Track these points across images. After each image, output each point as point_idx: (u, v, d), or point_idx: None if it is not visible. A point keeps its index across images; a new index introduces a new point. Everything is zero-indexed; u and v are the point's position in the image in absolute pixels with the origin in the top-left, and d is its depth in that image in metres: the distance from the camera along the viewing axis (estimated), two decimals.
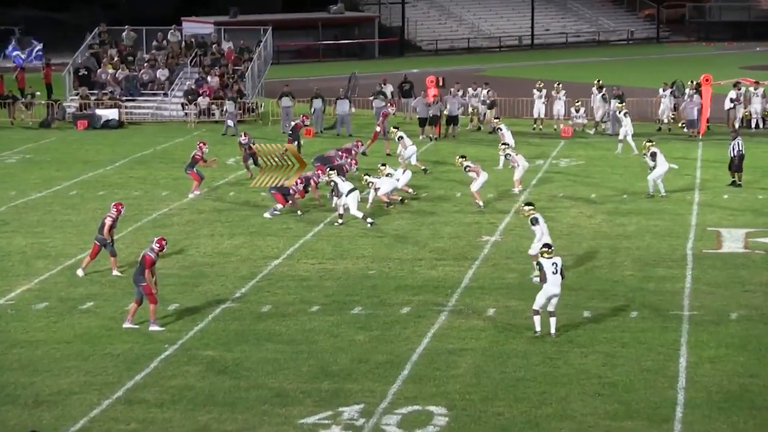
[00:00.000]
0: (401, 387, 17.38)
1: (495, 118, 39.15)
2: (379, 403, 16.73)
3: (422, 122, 42.11)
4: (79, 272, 23.65)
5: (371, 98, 45.14)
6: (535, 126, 43.55)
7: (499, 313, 20.95)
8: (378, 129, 38.58)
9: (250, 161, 33.74)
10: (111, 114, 46.05)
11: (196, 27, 62.38)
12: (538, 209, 28.91)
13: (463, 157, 30.23)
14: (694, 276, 23.28)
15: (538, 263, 19.75)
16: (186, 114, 47.07)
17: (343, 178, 28.43)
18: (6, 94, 47.33)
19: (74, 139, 43.08)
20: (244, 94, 47.74)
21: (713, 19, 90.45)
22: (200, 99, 46.58)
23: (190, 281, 23.14)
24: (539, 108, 43.77)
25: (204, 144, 32.32)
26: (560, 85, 43.84)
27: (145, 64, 49.79)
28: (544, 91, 43.74)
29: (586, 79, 48.93)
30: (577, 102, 42.93)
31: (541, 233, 22.85)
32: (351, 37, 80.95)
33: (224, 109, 44.83)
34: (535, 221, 22.98)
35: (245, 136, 34.21)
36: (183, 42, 52.21)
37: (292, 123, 37.87)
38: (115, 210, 23.93)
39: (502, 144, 32.68)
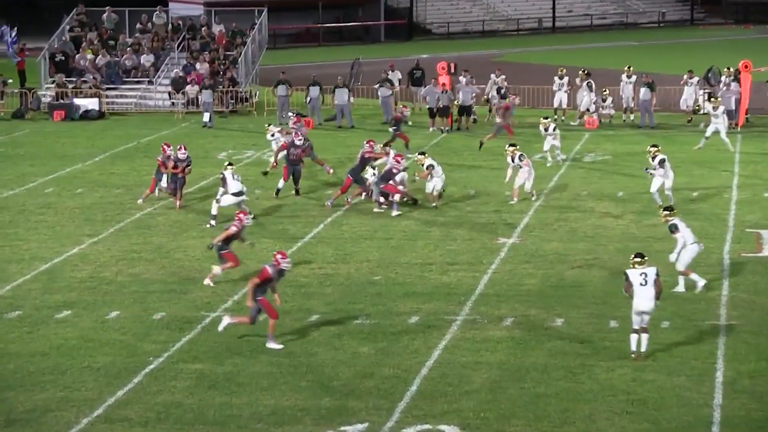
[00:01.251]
0: (409, 404, 17.38)
1: (544, 118, 36.64)
2: (386, 422, 16.74)
3: (432, 113, 42.13)
4: (208, 281, 23.38)
5: (377, 86, 45.16)
6: (556, 117, 43.56)
7: (518, 323, 20.95)
8: (499, 120, 38.37)
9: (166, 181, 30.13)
10: (90, 104, 46.15)
11: (184, 8, 62.53)
12: (560, 209, 29.14)
13: (422, 154, 30.48)
14: (732, 282, 23.26)
15: (624, 273, 19.29)
16: (173, 104, 47.19)
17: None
18: None
19: (50, 131, 43.15)
20: (237, 81, 47.82)
21: None
22: (188, 87, 46.63)
23: (178, 288, 23.15)
24: (561, 97, 43.82)
25: (168, 145, 30.13)
26: (585, 72, 43.80)
27: (128, 49, 49.87)
28: (566, 79, 43.76)
29: (612, 66, 48.92)
30: (605, 91, 43.01)
31: (683, 241, 22.52)
32: (354, 19, 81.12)
33: (201, 100, 44.52)
34: (674, 228, 22.58)
35: (184, 150, 29.83)
36: (170, 24, 52.27)
37: (392, 115, 36.74)
38: (237, 220, 23.45)
39: (511, 145, 31.45)
